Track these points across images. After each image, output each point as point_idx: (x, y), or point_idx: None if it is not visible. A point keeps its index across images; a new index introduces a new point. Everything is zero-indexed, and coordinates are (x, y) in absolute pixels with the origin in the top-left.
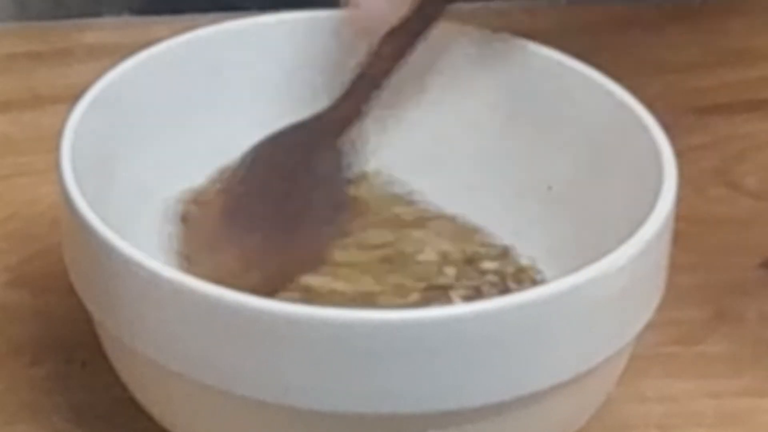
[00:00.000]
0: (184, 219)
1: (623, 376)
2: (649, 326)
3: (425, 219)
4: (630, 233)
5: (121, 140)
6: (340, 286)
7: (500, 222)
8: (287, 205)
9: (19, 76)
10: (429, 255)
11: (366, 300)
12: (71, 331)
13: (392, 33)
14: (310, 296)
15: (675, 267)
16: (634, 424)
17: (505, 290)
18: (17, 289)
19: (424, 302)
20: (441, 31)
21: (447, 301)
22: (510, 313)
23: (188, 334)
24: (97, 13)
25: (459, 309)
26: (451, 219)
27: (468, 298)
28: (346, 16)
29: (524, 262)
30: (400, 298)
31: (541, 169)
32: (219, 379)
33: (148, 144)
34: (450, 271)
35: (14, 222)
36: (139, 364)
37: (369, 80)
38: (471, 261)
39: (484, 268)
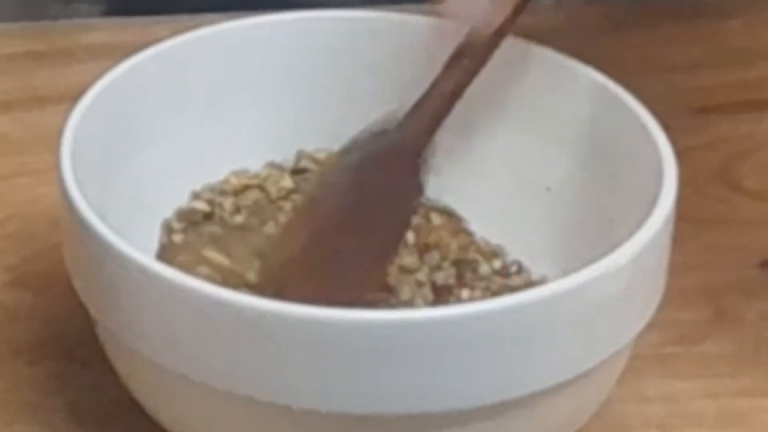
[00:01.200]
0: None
1: (623, 376)
2: (649, 326)
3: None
4: (630, 233)
5: (121, 140)
6: None
7: (499, 222)
8: (356, 221)
9: (19, 76)
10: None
11: None
12: (71, 331)
13: (471, 45)
14: None
15: (675, 267)
16: (634, 424)
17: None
18: (17, 289)
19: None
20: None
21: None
22: (510, 313)
23: (188, 334)
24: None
25: (459, 309)
26: (448, 218)
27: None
28: (441, 6)
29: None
30: None
31: (539, 170)
32: (219, 379)
33: (147, 144)
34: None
35: (14, 222)
36: (139, 364)
37: (444, 94)
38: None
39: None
